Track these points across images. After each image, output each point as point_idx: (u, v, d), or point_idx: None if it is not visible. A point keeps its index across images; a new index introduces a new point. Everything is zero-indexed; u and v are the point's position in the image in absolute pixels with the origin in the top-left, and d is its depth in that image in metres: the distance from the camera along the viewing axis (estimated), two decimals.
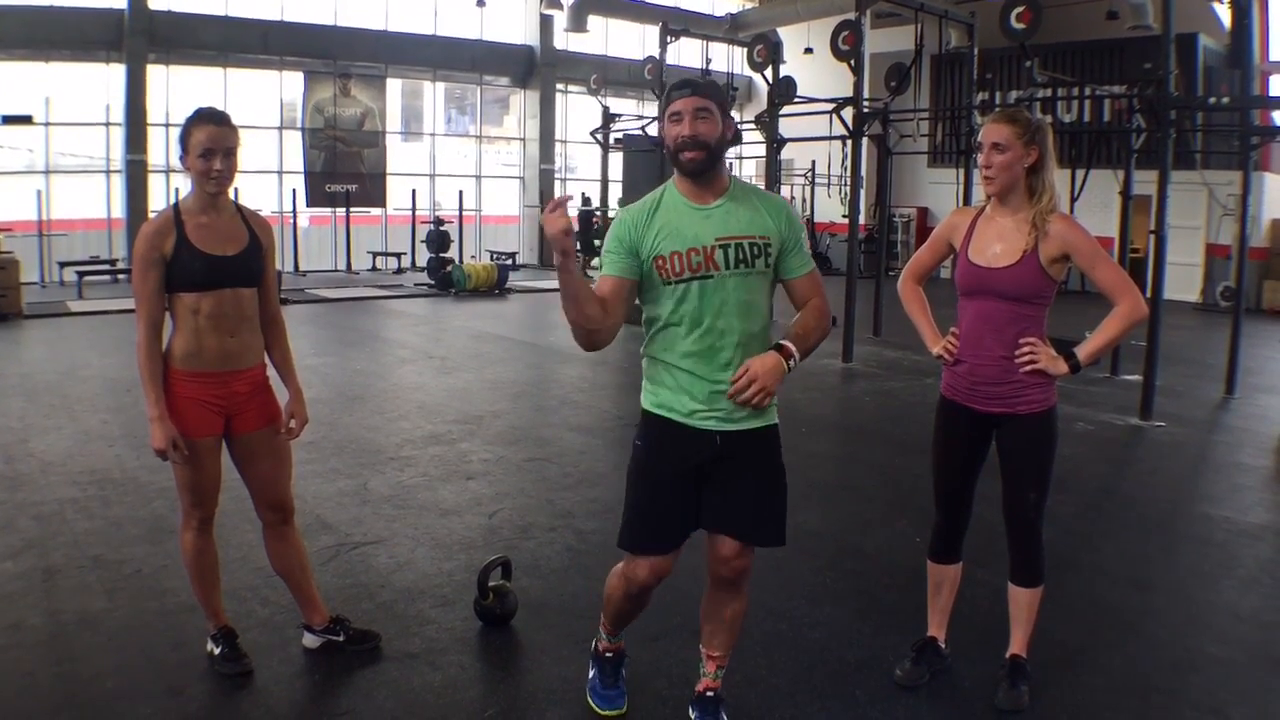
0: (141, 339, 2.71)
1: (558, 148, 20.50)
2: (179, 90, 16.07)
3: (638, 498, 2.46)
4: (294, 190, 17.02)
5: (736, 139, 2.62)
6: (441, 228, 15.20)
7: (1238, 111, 9.90)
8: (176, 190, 14.06)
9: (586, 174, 20.27)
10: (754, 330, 2.37)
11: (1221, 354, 8.09)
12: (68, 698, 2.75)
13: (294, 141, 17.61)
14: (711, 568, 2.50)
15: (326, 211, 18.02)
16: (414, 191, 17.61)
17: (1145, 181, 8.12)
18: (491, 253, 18.30)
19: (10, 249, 11.65)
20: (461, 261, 15.35)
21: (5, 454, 5.31)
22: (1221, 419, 7.10)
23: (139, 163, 15.46)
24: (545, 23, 19.49)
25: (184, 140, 2.70)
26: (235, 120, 2.76)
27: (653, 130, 12.93)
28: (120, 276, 13.89)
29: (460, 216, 16.64)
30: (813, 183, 18.74)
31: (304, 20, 17.17)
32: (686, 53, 16.36)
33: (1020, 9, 7.94)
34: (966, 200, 10.69)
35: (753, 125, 12.22)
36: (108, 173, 16.04)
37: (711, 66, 14.09)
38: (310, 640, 3.07)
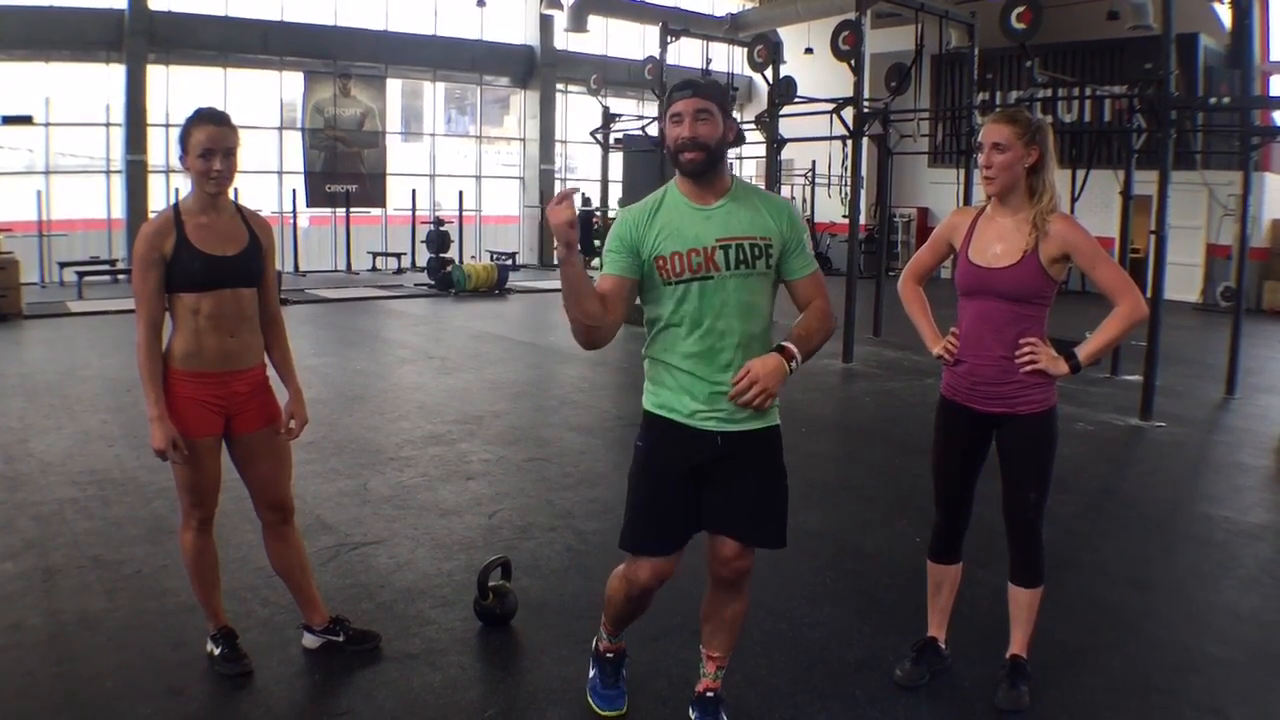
0: (141, 339, 2.71)
1: (558, 148, 20.50)
2: (179, 90, 16.07)
3: (639, 498, 2.46)
4: (294, 190, 17.02)
5: (740, 140, 2.60)
6: (441, 228, 15.20)
7: (1238, 111, 9.90)
8: (176, 190, 14.06)
9: (586, 174, 20.27)
10: (755, 331, 2.36)
11: (1221, 354, 8.09)
12: (68, 698, 2.75)
13: (294, 141, 17.61)
14: (712, 568, 2.50)
15: (326, 212, 18.02)
16: (414, 192, 17.61)
17: (1145, 181, 8.12)
18: (491, 253, 18.30)
19: (10, 249, 11.64)
20: (461, 262, 15.35)
21: (5, 454, 5.32)
22: (1221, 419, 7.10)
23: (139, 163, 15.46)
24: (545, 23, 19.49)
25: (184, 140, 2.70)
26: (235, 120, 2.76)
27: (653, 130, 12.93)
28: (120, 277, 13.89)
29: (460, 216, 16.65)
30: (813, 183, 18.74)
31: (304, 20, 17.17)
32: (686, 53, 16.35)
33: (1020, 9, 7.94)
34: (967, 200, 10.69)
35: (753, 125, 12.23)
36: (108, 173, 16.04)
37: (711, 66, 14.09)
38: (310, 640, 3.07)
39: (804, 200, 19.24)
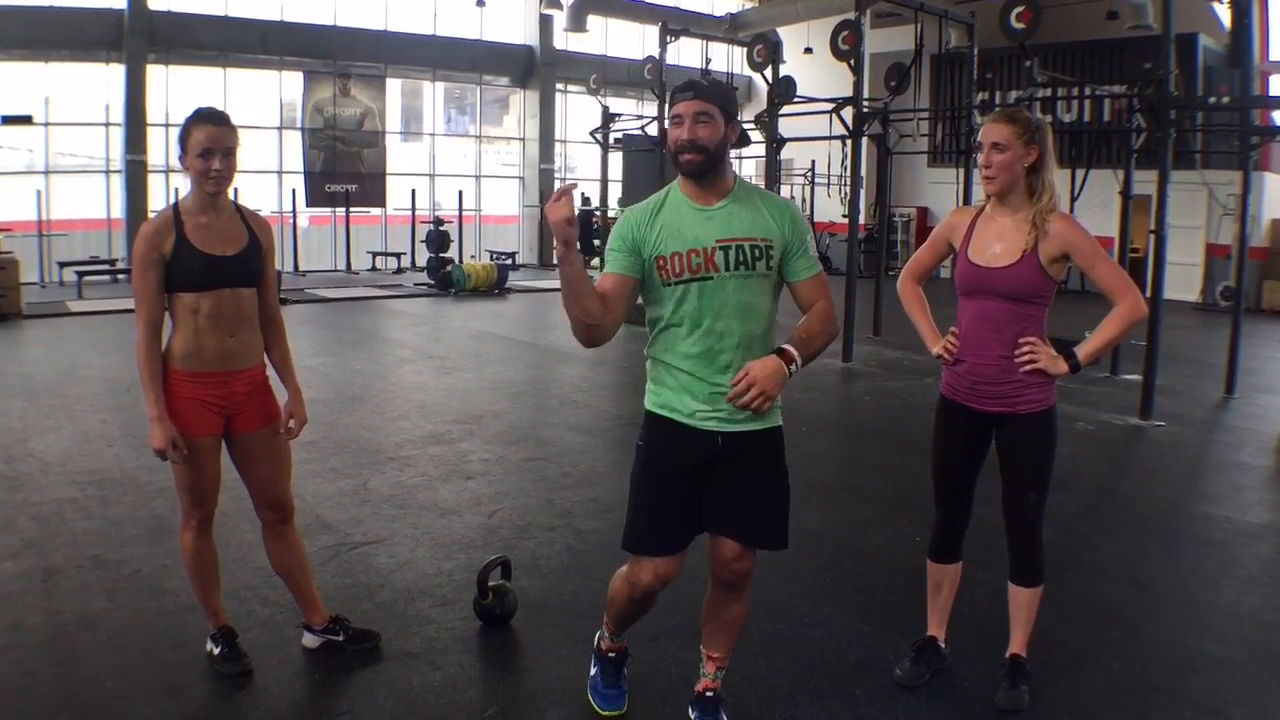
0: (141, 339, 2.71)
1: (557, 148, 20.50)
2: (179, 90, 16.07)
3: (641, 498, 2.45)
4: (294, 190, 17.02)
5: (743, 141, 2.59)
6: (441, 228, 15.20)
7: (1238, 111, 9.90)
8: (176, 190, 14.06)
9: (586, 174, 20.26)
10: (755, 333, 2.36)
11: (1221, 354, 8.09)
12: (68, 698, 2.75)
13: (294, 141, 17.61)
14: (713, 569, 2.50)
15: (326, 211, 18.02)
16: (414, 191, 17.61)
17: (1145, 181, 8.12)
18: (491, 252, 18.30)
19: (10, 249, 11.64)
20: (461, 261, 15.35)
21: (5, 454, 5.31)
22: (1221, 419, 7.10)
23: (139, 163, 15.46)
24: (545, 23, 19.49)
25: (183, 140, 2.69)
26: (235, 120, 2.76)
27: (652, 130, 12.93)
28: (120, 276, 13.89)
29: (460, 216, 16.65)
30: (812, 182, 18.74)
31: (304, 20, 17.17)
32: (686, 52, 16.36)
33: (1020, 9, 7.94)
34: (966, 200, 10.69)
35: (752, 125, 12.22)
36: (107, 173, 16.04)
37: (711, 66, 14.09)
38: (310, 640, 3.07)
39: (803, 200, 19.23)
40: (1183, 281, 14.54)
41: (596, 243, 16.10)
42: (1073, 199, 8.23)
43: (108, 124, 15.79)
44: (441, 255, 14.95)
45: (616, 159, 15.32)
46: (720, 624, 2.57)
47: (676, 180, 2.42)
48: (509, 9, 19.52)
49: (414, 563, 3.86)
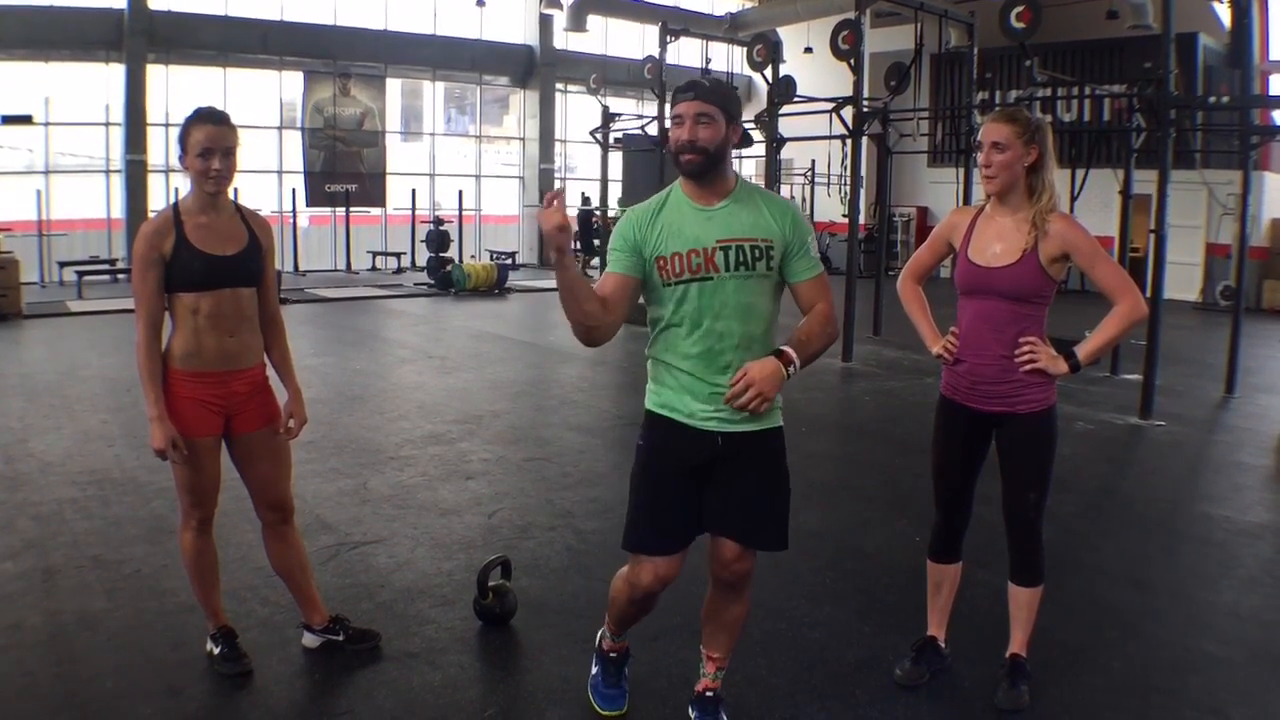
0: (141, 339, 2.71)
1: (557, 147, 20.50)
2: (179, 90, 16.07)
3: (641, 498, 2.45)
4: (294, 190, 17.03)
5: (746, 141, 2.58)
6: (441, 227, 15.20)
7: (1238, 111, 9.90)
8: (176, 190, 14.06)
9: (586, 174, 20.27)
10: (755, 333, 2.35)
11: (1221, 353, 8.09)
12: (68, 698, 2.75)
13: (294, 141, 17.61)
14: (713, 570, 2.50)
15: (326, 211, 18.02)
16: (414, 191, 17.61)
17: (1145, 181, 8.13)
18: (491, 252, 18.30)
19: (10, 249, 11.65)
20: (461, 261, 15.35)
21: (5, 454, 5.31)
22: (1221, 418, 7.10)
23: (139, 163, 15.46)
24: (545, 22, 19.49)
25: (183, 140, 2.69)
26: (235, 120, 2.76)
27: (652, 130, 12.93)
28: (120, 276, 13.89)
29: (460, 216, 16.65)
30: (812, 182, 18.74)
31: (304, 20, 17.17)
32: (686, 52, 16.36)
33: (1020, 8, 7.93)
34: (966, 200, 10.69)
35: (753, 125, 12.22)
36: (107, 173, 16.04)
37: (711, 66, 14.08)
38: (310, 640, 3.07)
39: (803, 200, 19.24)
40: (1183, 281, 14.54)
41: (596, 242, 16.10)
42: (1073, 199, 8.23)
43: (108, 124, 15.79)
44: (441, 255, 14.95)
45: (616, 159, 15.31)
46: (720, 624, 2.56)
47: (678, 180, 2.41)
48: (509, 9, 19.52)
49: (414, 563, 3.86)
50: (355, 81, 17.96)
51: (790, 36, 17.96)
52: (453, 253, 15.50)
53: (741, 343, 2.33)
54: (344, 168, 17.94)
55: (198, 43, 16.20)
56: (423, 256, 16.04)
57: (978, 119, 9.85)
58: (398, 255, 17.50)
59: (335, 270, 17.34)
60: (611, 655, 2.74)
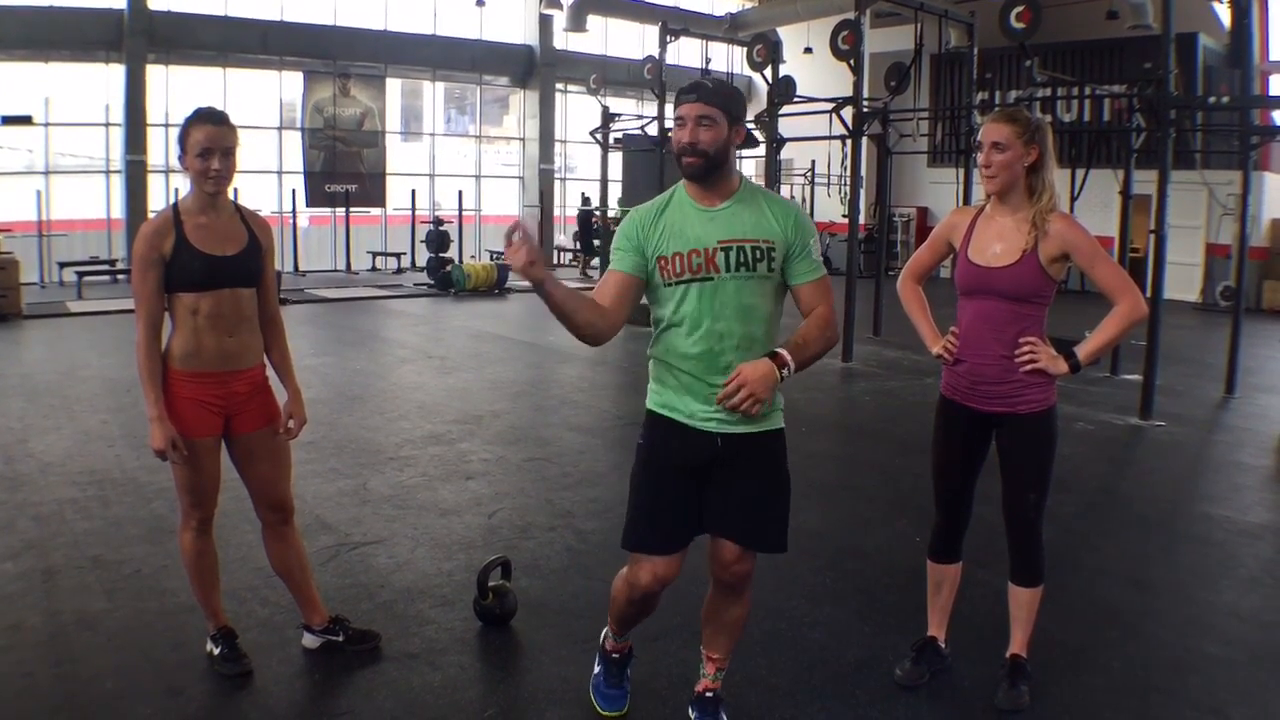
0: (141, 339, 2.71)
1: (557, 148, 20.51)
2: (178, 90, 16.07)
3: (640, 498, 2.45)
4: (293, 190, 17.03)
5: (750, 142, 2.58)
6: (441, 228, 15.20)
7: (1238, 111, 9.90)
8: (176, 190, 14.06)
9: (586, 174, 20.28)
10: (756, 334, 2.34)
11: (1221, 354, 8.09)
12: (67, 698, 2.75)
13: (294, 141, 17.61)
14: (713, 571, 2.50)
15: (326, 211, 18.03)
16: (414, 191, 17.61)
17: (1145, 181, 8.13)
18: (491, 252, 18.29)
19: (10, 249, 11.65)
20: (461, 261, 15.35)
21: (5, 454, 5.31)
22: (1221, 419, 7.10)
23: (138, 163, 15.46)
24: (545, 22, 19.50)
25: (182, 140, 2.69)
26: (235, 120, 2.75)
27: (652, 130, 12.93)
28: (120, 277, 13.89)
29: (460, 216, 16.64)
30: (812, 182, 18.75)
31: (304, 20, 17.18)
32: (686, 52, 16.36)
33: (1020, 8, 7.94)
34: (966, 200, 10.69)
35: (753, 125, 12.22)
36: (107, 173, 16.04)
37: (711, 66, 14.09)
38: (310, 640, 3.06)
39: (803, 200, 19.25)
40: (1183, 281, 14.55)
41: (597, 243, 16.09)
42: (1073, 199, 8.23)
43: (108, 124, 15.79)
44: (441, 255, 14.94)
45: (616, 159, 15.31)
46: (720, 625, 2.56)
47: (683, 180, 2.41)
48: (509, 9, 19.52)
49: (414, 563, 3.86)
50: (355, 81, 17.97)
51: (790, 37, 17.97)
52: (453, 253, 15.50)
53: (742, 344, 2.33)
54: (344, 168, 17.94)
55: (197, 43, 16.21)
56: (423, 257, 16.04)
57: (978, 119, 9.85)
58: (398, 255, 17.50)
59: (335, 270, 17.34)
60: (614, 655, 2.74)
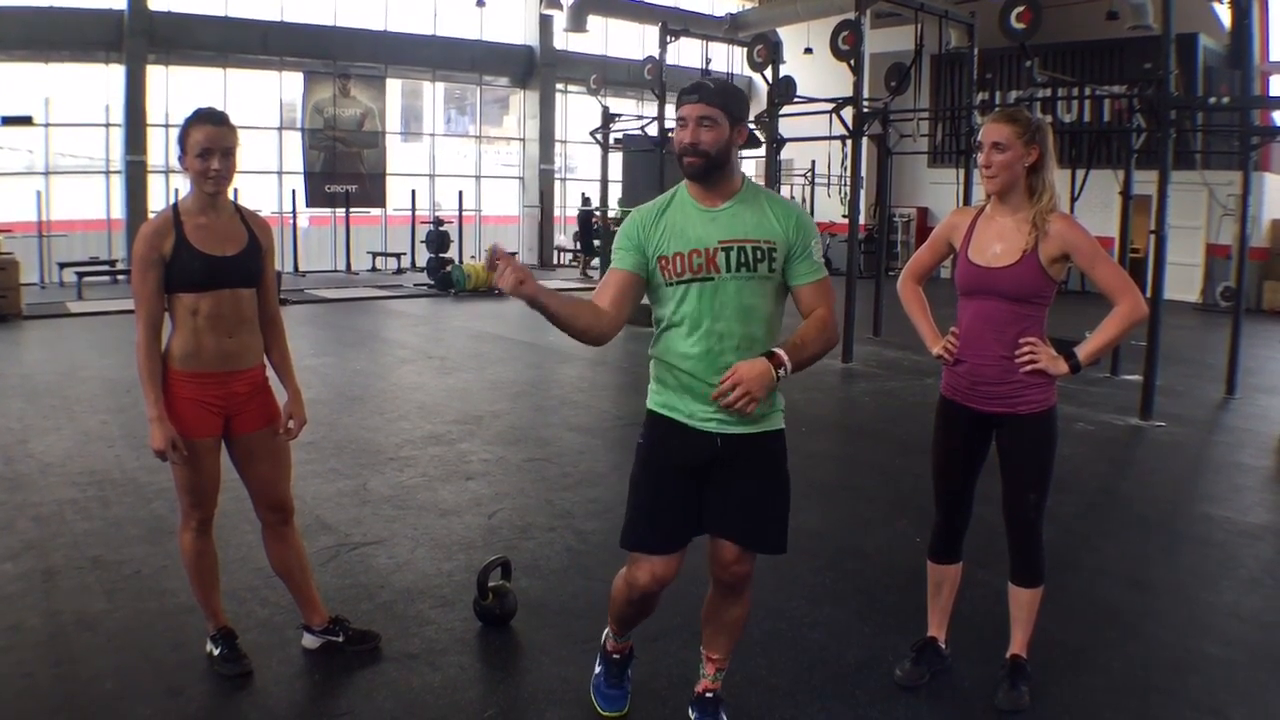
0: (141, 339, 2.71)
1: (557, 148, 20.51)
2: (178, 91, 16.07)
3: (640, 497, 2.45)
4: (294, 190, 17.02)
5: (752, 142, 2.58)
6: (441, 228, 15.20)
7: (1238, 111, 9.91)
8: (176, 191, 14.06)
9: (586, 174, 20.28)
10: (756, 335, 2.34)
11: (1221, 354, 8.09)
12: (67, 698, 2.75)
13: (294, 142, 17.61)
14: (713, 571, 2.50)
15: (326, 212, 18.02)
16: (414, 192, 17.61)
17: (1145, 181, 8.12)
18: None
19: (10, 250, 11.64)
20: (461, 262, 15.34)
21: (5, 455, 5.31)
22: (1221, 419, 7.10)
23: (138, 163, 15.46)
24: (545, 23, 19.50)
25: (182, 140, 2.69)
26: (235, 120, 2.76)
27: (652, 130, 12.93)
28: (120, 277, 13.89)
29: (460, 216, 16.64)
30: (812, 183, 18.75)
31: (304, 20, 17.18)
32: (686, 53, 16.35)
33: (1020, 9, 7.94)
34: (966, 200, 10.69)
35: (753, 125, 12.21)
36: (107, 173, 16.04)
37: (711, 67, 14.08)
38: (310, 641, 3.06)
39: (804, 200, 19.24)
40: (1183, 282, 14.54)
41: (597, 243, 16.09)
42: (1073, 199, 8.23)
43: (108, 124, 15.79)
44: (441, 255, 14.94)
45: (616, 159, 15.31)
46: (720, 625, 2.56)
47: (684, 181, 2.41)
48: (509, 9, 19.52)
49: (414, 563, 3.86)
50: (355, 82, 17.96)
51: (790, 37, 17.96)
52: (453, 253, 15.49)
53: (742, 344, 2.32)
54: (344, 168, 17.94)
55: (197, 43, 16.21)
56: (423, 257, 16.04)
57: (978, 119, 9.85)
58: (398, 256, 17.50)
59: (335, 271, 17.34)
60: (615, 656, 2.74)
